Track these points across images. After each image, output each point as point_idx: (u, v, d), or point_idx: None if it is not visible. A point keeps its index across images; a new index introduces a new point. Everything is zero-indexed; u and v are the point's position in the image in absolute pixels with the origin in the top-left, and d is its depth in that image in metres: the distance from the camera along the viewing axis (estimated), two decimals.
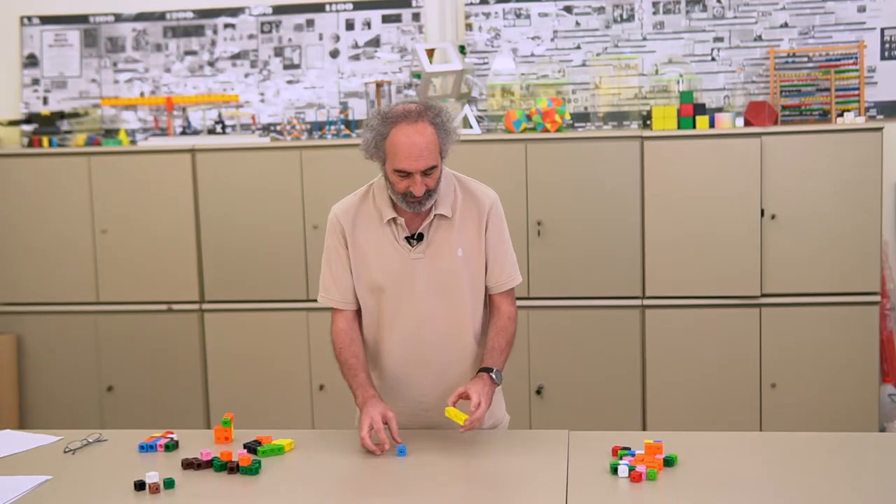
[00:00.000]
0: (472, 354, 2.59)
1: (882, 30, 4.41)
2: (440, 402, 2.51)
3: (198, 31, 4.84)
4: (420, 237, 2.52)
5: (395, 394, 2.59)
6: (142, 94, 4.88)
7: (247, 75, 4.82)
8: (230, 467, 2.27)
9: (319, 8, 4.75)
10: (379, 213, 2.53)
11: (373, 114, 2.47)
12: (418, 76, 4.56)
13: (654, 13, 4.52)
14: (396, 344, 2.56)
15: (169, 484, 2.18)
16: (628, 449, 2.27)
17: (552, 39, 4.60)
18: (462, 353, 2.58)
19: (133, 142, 4.74)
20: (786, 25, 4.44)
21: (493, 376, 2.47)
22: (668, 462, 2.21)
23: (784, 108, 4.37)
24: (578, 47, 4.58)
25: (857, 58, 4.32)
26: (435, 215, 2.51)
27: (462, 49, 4.49)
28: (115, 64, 4.89)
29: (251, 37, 4.81)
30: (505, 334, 2.57)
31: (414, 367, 2.57)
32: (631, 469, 2.14)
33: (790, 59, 4.44)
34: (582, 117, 4.57)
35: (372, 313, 2.59)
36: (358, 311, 2.63)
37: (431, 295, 2.52)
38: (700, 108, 4.19)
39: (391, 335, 2.56)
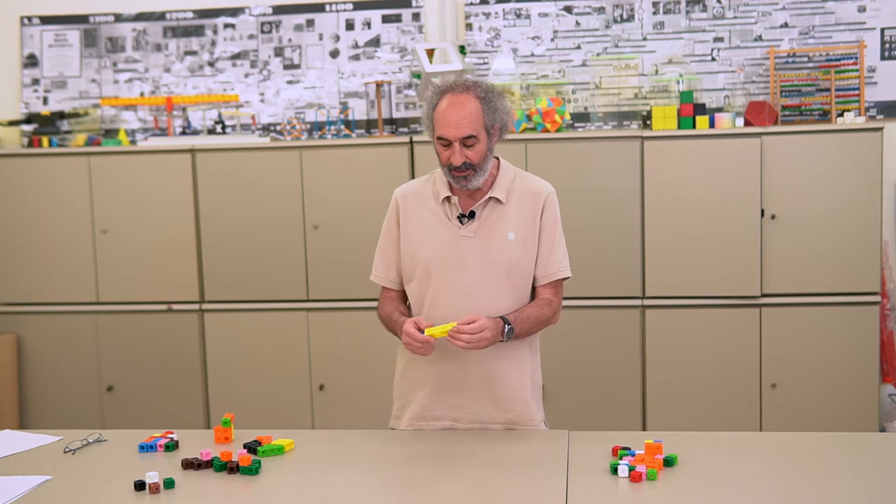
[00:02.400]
0: (513, 344, 2.57)
1: (882, 30, 4.41)
2: (476, 397, 2.54)
3: (198, 31, 4.84)
4: (472, 215, 2.56)
5: (432, 381, 2.58)
6: (142, 94, 4.88)
7: (247, 75, 4.82)
8: (230, 467, 2.27)
9: (319, 8, 4.76)
10: (436, 193, 2.61)
11: (430, 88, 2.60)
12: (418, 76, 4.56)
13: (654, 13, 4.52)
14: (438, 324, 2.55)
15: (169, 484, 2.18)
16: (628, 449, 2.27)
17: (552, 39, 4.60)
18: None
19: (133, 142, 4.75)
20: (786, 25, 4.45)
21: (506, 327, 2.46)
22: (668, 462, 2.21)
23: (784, 108, 4.37)
24: (578, 47, 4.58)
25: (857, 58, 4.32)
26: (489, 198, 2.57)
27: (462, 49, 4.50)
28: (115, 64, 4.89)
29: (251, 37, 4.81)
30: (539, 309, 2.57)
31: (452, 349, 2.53)
32: (631, 469, 2.14)
33: (790, 59, 4.44)
34: (582, 117, 4.57)
35: (419, 292, 2.60)
36: (404, 295, 2.68)
37: (479, 275, 2.54)
38: (700, 108, 4.19)
39: (434, 314, 2.55)
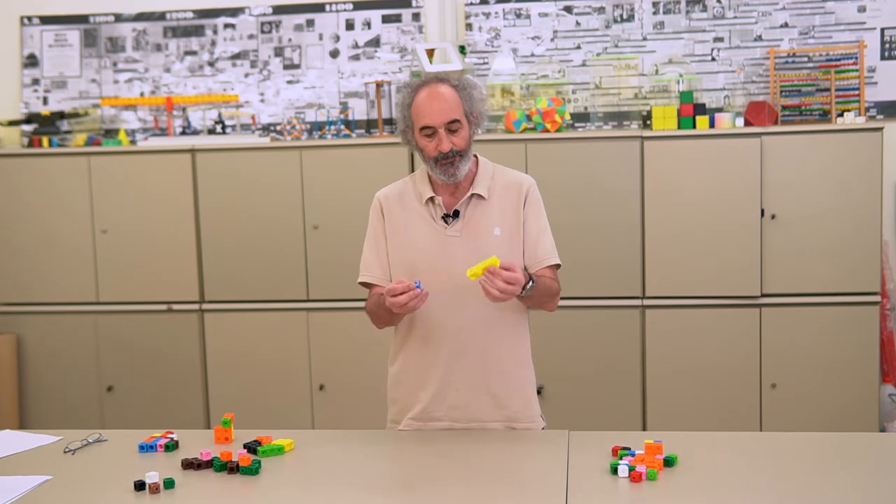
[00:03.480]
0: (507, 340, 2.57)
1: (882, 30, 4.41)
2: (473, 395, 2.54)
3: (198, 31, 4.84)
4: (456, 214, 2.55)
5: (429, 385, 2.57)
6: (142, 94, 4.88)
7: (247, 75, 4.82)
8: (230, 467, 2.27)
9: (319, 8, 4.76)
10: (419, 194, 2.60)
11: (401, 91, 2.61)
12: (418, 76, 4.56)
13: (654, 13, 4.52)
14: (431, 327, 2.55)
15: (169, 484, 2.18)
16: (628, 449, 2.27)
17: (552, 39, 4.60)
18: (498, 337, 2.56)
19: (133, 142, 4.75)
20: (786, 25, 4.45)
21: (529, 283, 2.42)
22: (668, 462, 2.21)
23: (784, 108, 4.37)
24: (578, 47, 4.58)
25: (857, 58, 4.32)
26: (472, 195, 2.56)
27: (462, 49, 4.50)
28: (115, 64, 4.89)
29: (251, 37, 4.81)
30: (549, 280, 2.54)
31: (447, 351, 2.54)
32: (631, 469, 2.14)
33: (790, 59, 4.44)
34: (582, 117, 4.57)
35: None
36: None
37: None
38: (700, 108, 4.19)
39: (427, 317, 2.55)
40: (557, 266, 2.64)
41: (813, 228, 4.10)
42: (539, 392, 4.23)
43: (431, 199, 2.57)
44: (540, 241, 2.60)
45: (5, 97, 4.97)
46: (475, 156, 2.63)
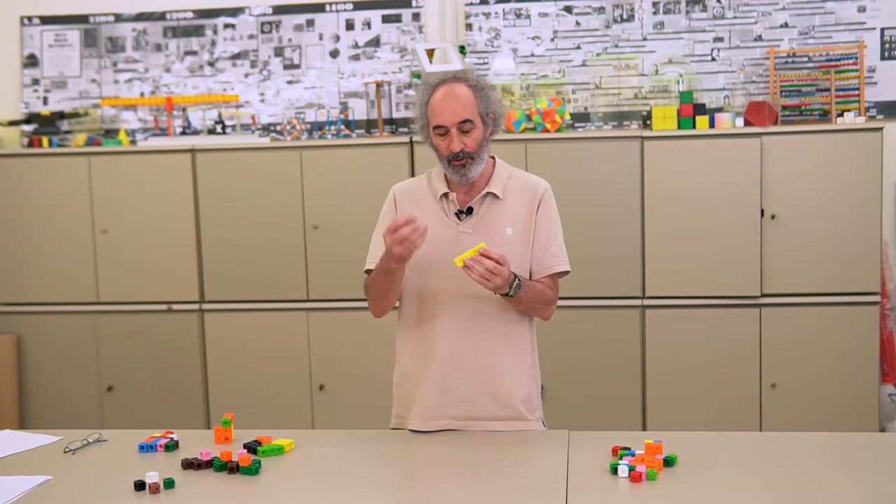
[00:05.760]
0: (513, 339, 2.58)
1: (882, 30, 4.41)
2: (473, 393, 2.53)
3: (198, 31, 4.84)
4: (469, 211, 2.57)
5: (430, 380, 2.57)
6: (142, 94, 4.88)
7: (247, 75, 4.82)
8: (230, 467, 2.27)
9: (319, 8, 4.76)
10: (434, 190, 2.62)
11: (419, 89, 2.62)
12: (418, 76, 4.56)
13: (654, 13, 4.52)
14: (439, 324, 2.55)
15: (169, 484, 2.18)
16: (628, 449, 2.27)
17: (552, 39, 4.60)
18: (504, 336, 2.56)
19: (133, 142, 4.75)
20: (786, 25, 4.45)
21: (515, 281, 2.42)
22: (668, 462, 2.21)
23: (784, 108, 4.37)
24: (578, 47, 4.58)
25: (857, 58, 4.32)
26: (487, 193, 2.58)
27: (462, 49, 4.50)
28: (115, 64, 4.89)
29: (251, 37, 4.81)
30: (542, 287, 2.54)
31: (454, 348, 2.54)
32: (631, 469, 2.14)
33: (790, 59, 4.44)
34: (582, 117, 4.57)
35: (418, 288, 2.59)
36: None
37: None
38: (700, 108, 4.20)
39: (435, 313, 2.55)
40: (564, 273, 2.63)
41: (813, 228, 4.10)
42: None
43: (446, 194, 2.59)
44: (548, 248, 2.60)
45: (5, 97, 4.97)
46: (492, 157, 2.64)
